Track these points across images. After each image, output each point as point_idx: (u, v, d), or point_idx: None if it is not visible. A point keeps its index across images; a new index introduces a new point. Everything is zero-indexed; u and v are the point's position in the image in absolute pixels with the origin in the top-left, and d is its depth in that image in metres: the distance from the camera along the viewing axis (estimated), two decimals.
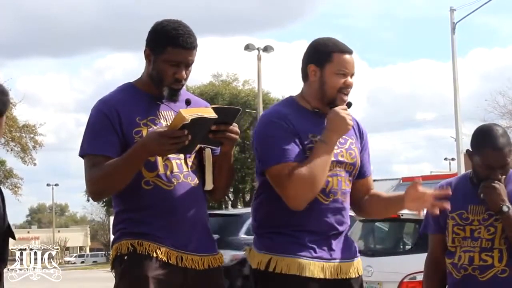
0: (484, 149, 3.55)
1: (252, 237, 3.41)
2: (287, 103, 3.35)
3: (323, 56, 3.28)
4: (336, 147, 3.26)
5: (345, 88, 3.27)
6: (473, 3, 31.83)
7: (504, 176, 3.60)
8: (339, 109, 3.24)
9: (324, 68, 3.26)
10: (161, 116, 3.21)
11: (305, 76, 3.34)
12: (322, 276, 3.21)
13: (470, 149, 3.63)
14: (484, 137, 3.58)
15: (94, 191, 3.16)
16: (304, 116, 3.29)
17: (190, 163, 3.23)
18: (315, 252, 3.23)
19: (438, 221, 3.70)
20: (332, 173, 3.26)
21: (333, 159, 3.24)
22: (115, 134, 3.14)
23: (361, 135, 3.47)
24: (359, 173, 3.42)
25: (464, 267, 3.59)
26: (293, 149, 3.19)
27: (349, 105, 3.29)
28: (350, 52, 3.31)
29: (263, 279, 3.25)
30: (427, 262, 3.84)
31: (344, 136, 3.32)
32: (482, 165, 3.57)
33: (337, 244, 3.30)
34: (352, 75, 3.30)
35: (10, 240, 2.88)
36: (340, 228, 3.31)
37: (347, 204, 3.35)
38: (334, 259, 3.27)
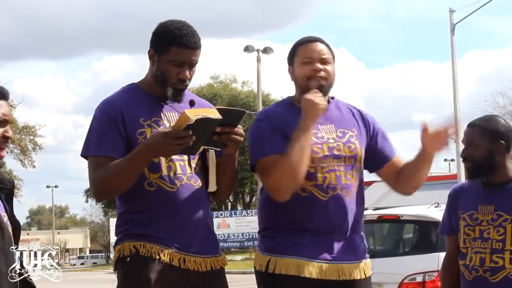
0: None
1: None
2: (281, 103, 3.49)
3: (292, 54, 3.41)
4: (332, 141, 3.30)
5: (315, 74, 3.33)
6: (472, 5, 31.91)
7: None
8: (308, 94, 3.28)
9: (293, 65, 3.40)
10: (165, 117, 3.20)
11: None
12: (321, 277, 3.20)
13: None
14: None
15: (99, 192, 3.15)
16: (296, 114, 3.30)
17: (193, 165, 3.22)
18: (315, 252, 3.23)
19: (451, 223, 3.68)
20: (329, 169, 3.27)
21: (327, 153, 3.27)
22: (119, 134, 3.13)
23: (366, 124, 3.48)
24: (381, 159, 3.46)
25: (475, 268, 3.56)
26: (275, 143, 3.24)
27: (320, 88, 3.31)
28: (313, 41, 3.40)
29: (265, 280, 3.26)
30: (443, 262, 3.82)
31: (343, 130, 3.36)
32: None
33: (339, 244, 3.28)
34: (322, 61, 3.35)
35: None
36: (344, 226, 3.29)
37: (352, 199, 3.32)
38: (336, 259, 3.25)
